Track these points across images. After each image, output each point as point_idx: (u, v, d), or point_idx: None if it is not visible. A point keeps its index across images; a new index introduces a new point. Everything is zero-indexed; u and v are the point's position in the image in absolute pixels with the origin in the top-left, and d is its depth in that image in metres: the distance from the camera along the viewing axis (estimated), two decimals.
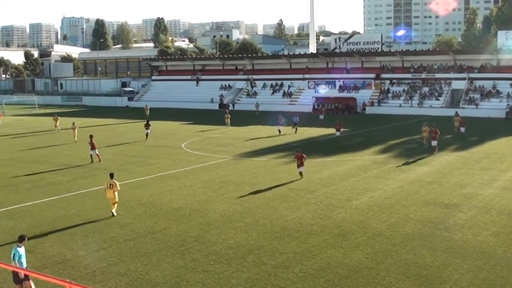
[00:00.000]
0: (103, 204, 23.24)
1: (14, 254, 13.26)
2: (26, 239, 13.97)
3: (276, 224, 20.11)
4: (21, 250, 13.42)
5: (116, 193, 21.50)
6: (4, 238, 18.80)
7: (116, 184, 21.53)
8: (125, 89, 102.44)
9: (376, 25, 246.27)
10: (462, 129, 46.02)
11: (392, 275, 15.10)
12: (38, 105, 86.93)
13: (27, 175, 30.30)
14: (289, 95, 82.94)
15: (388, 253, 16.82)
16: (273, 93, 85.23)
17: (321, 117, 63.21)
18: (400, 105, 72.53)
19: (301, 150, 29.10)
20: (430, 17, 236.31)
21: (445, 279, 14.77)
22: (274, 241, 18.11)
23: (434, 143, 36.26)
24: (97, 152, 34.54)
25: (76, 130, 45.52)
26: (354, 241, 18.03)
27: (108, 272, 15.55)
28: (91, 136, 35.11)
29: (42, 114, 78.17)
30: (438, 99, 72.16)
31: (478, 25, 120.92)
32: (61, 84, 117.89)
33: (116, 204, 21.60)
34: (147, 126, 45.88)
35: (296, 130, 50.12)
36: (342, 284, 14.58)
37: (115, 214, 21.33)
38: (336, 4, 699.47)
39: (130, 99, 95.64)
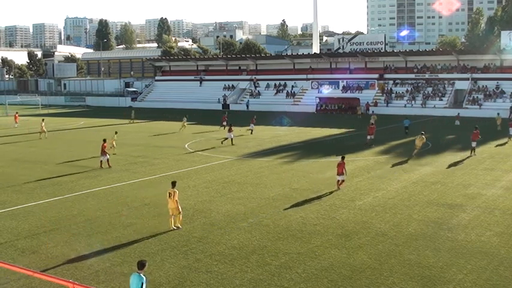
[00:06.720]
0: (106, 205, 23.32)
1: (143, 283, 11.74)
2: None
3: (279, 224, 20.11)
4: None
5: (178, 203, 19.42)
6: (8, 238, 18.87)
7: (175, 193, 19.47)
8: (128, 89, 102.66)
9: (379, 25, 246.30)
10: None
11: (396, 275, 15.10)
12: (42, 105, 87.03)
13: (30, 175, 30.36)
14: (293, 95, 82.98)
15: (391, 253, 16.82)
16: (276, 93, 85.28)
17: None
18: (405, 106, 72.44)
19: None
20: (433, 17, 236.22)
21: (449, 279, 14.76)
22: (278, 241, 18.12)
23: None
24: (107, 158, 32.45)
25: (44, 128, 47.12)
26: (357, 241, 18.02)
27: (112, 273, 15.56)
28: (104, 140, 33.16)
29: (45, 114, 78.25)
30: (441, 100, 72.12)
31: (481, 25, 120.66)
32: (64, 84, 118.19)
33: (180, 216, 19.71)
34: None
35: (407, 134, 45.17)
36: (346, 284, 14.58)
37: (179, 226, 19.57)
38: (339, 4, 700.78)
39: (133, 99, 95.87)
